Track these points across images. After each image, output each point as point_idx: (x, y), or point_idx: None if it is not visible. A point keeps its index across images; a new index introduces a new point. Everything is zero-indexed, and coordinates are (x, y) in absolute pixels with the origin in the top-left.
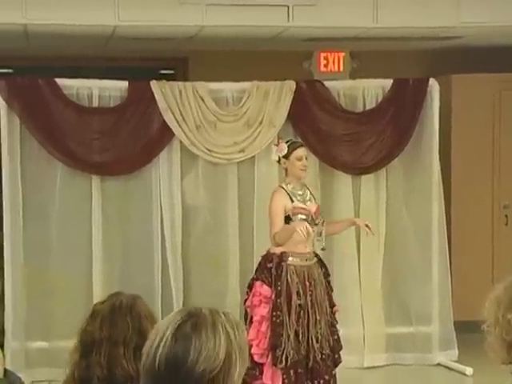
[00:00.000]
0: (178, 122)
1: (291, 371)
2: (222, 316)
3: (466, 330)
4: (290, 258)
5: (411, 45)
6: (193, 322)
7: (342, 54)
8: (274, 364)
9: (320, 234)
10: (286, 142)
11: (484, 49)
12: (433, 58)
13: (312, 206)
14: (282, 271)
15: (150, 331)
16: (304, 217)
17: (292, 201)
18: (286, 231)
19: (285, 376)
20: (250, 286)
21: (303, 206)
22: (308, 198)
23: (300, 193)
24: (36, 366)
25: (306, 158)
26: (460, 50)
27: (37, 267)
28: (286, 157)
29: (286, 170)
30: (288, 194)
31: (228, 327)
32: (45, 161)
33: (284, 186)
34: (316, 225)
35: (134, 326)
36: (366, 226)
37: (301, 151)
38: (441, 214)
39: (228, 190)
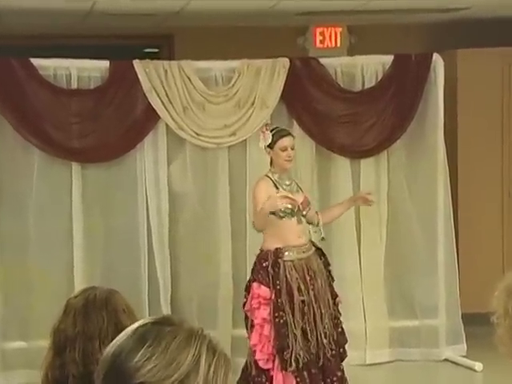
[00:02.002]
0: (163, 103)
1: (305, 373)
2: (208, 341)
3: (475, 323)
4: (287, 253)
5: (413, 17)
6: (161, 328)
7: (339, 29)
8: (284, 368)
9: (317, 224)
10: (271, 130)
11: (491, 21)
12: (437, 31)
13: (299, 197)
14: (279, 269)
15: (128, 326)
16: (290, 206)
17: (277, 189)
18: (261, 212)
19: (299, 379)
20: (248, 289)
21: (289, 195)
22: (295, 189)
23: (287, 183)
24: (13, 367)
25: (293, 148)
26: (466, 22)
27: (13, 262)
28: (271, 146)
29: (271, 159)
30: (273, 183)
31: (204, 353)
32: (20, 147)
33: (270, 175)
34: (304, 216)
35: (109, 319)
36: (367, 200)
37: (286, 141)
38: (447, 199)
39: (218, 177)
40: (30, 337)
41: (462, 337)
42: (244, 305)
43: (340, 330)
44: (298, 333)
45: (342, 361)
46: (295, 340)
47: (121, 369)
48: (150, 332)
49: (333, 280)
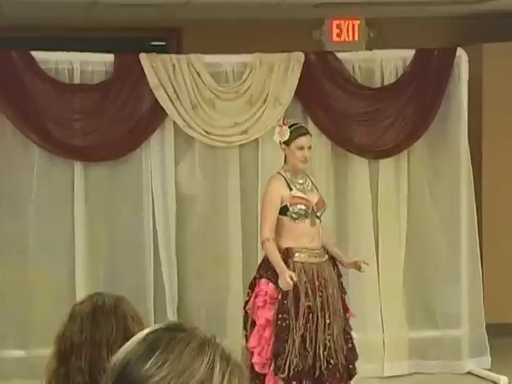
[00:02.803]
0: (171, 100)
1: (293, 383)
2: (221, 349)
3: (500, 334)
4: (297, 254)
5: (436, 10)
6: (173, 334)
7: (357, 22)
8: (276, 373)
9: None
10: (290, 127)
11: None
12: (461, 24)
13: (313, 197)
14: (288, 269)
15: (136, 332)
16: (303, 207)
17: (290, 189)
18: (273, 261)
19: None
20: (252, 286)
21: (303, 195)
22: (309, 188)
23: (300, 181)
24: (11, 377)
25: (310, 148)
26: (492, 14)
27: (12, 266)
28: (287, 143)
29: (286, 156)
30: (286, 182)
31: (218, 361)
32: (20, 145)
33: (283, 173)
34: (318, 218)
35: (118, 326)
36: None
37: (304, 140)
38: (470, 202)
39: (228, 178)
40: (28, 345)
41: (486, 348)
42: (246, 303)
43: (350, 345)
44: (297, 339)
45: (350, 378)
46: (292, 346)
47: (130, 377)
48: (162, 338)
49: (345, 293)
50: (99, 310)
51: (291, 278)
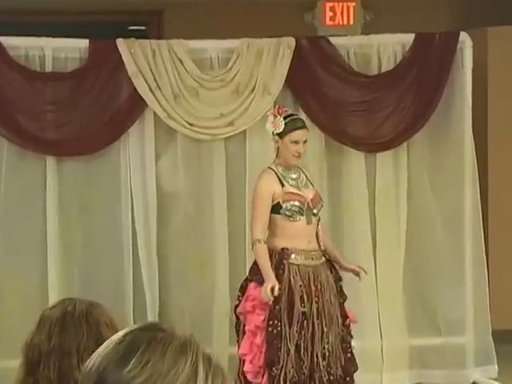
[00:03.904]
0: (151, 89)
1: None
2: (201, 349)
3: (507, 341)
4: (293, 256)
5: None
6: (153, 334)
7: (351, 4)
8: None
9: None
10: (285, 118)
11: None
12: (464, 6)
13: (308, 193)
14: (283, 272)
15: None
16: (297, 204)
17: (283, 185)
18: (261, 266)
19: None
20: (243, 289)
21: (297, 191)
22: (304, 183)
23: (293, 176)
24: None
25: (305, 142)
26: None
27: None
28: (281, 135)
29: (278, 149)
30: (278, 177)
31: (201, 360)
32: None
33: (274, 168)
34: (314, 215)
35: (90, 332)
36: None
37: (299, 134)
38: (475, 199)
39: (213, 173)
40: None
41: (492, 357)
42: (236, 307)
43: (349, 355)
44: (292, 348)
45: None
46: (287, 355)
47: (110, 380)
48: (141, 339)
49: (345, 298)
50: (69, 316)
51: (272, 291)
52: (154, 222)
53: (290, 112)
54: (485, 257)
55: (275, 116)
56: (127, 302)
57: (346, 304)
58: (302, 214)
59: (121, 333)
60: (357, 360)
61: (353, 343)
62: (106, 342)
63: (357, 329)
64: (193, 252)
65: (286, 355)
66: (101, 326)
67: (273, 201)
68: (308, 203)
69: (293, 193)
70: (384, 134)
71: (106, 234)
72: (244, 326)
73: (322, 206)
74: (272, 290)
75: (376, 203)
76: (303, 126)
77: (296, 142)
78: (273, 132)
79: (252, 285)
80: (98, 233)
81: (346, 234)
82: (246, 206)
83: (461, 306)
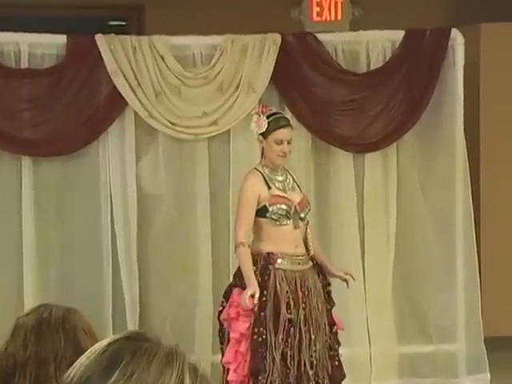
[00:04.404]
0: (131, 87)
1: None
2: (188, 360)
3: (500, 348)
4: (279, 261)
5: None
6: (137, 344)
7: None
8: None
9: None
10: (268, 117)
11: None
12: (456, 2)
13: (295, 196)
14: (268, 277)
15: (89, 347)
16: (284, 207)
17: (269, 187)
18: (243, 271)
19: None
20: (227, 294)
21: (283, 194)
22: (290, 186)
23: (280, 179)
24: None
25: (289, 143)
26: None
27: None
28: (264, 135)
29: (263, 149)
30: (264, 179)
31: (187, 372)
32: None
33: (260, 169)
34: (301, 219)
35: (67, 340)
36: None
37: (283, 133)
38: (467, 201)
39: (196, 174)
40: None
41: (484, 364)
42: (220, 313)
43: (336, 363)
44: (278, 356)
45: None
46: (273, 364)
47: None
48: (125, 349)
49: (332, 304)
50: (45, 323)
51: (252, 298)
52: (134, 224)
53: (274, 111)
54: (477, 260)
55: (259, 115)
56: (106, 306)
57: (333, 310)
58: (289, 218)
59: (104, 342)
60: (344, 368)
61: (340, 351)
62: (87, 352)
63: (344, 336)
64: (175, 255)
65: (271, 364)
66: (78, 333)
67: (258, 203)
68: (295, 207)
69: (279, 196)
70: (373, 134)
71: (85, 236)
72: (228, 333)
73: (310, 209)
74: (252, 297)
75: (364, 206)
76: (287, 125)
77: (280, 142)
78: (257, 132)
79: (236, 290)
80: (76, 236)
81: (334, 238)
82: (229, 208)
83: (452, 312)
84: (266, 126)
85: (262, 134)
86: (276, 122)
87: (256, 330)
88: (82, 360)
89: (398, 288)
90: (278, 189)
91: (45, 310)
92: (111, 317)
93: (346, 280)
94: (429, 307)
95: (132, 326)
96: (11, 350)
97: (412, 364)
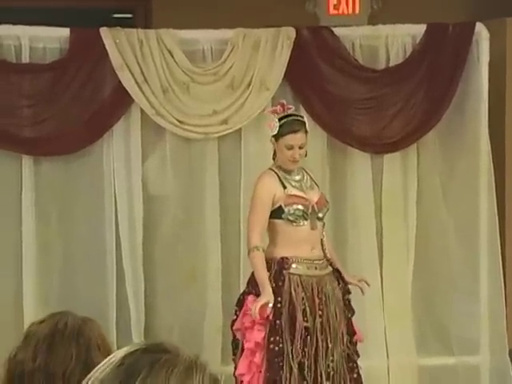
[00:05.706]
0: (137, 83)
1: None
2: (208, 372)
3: None
4: (294, 266)
5: None
6: (155, 356)
7: None
8: None
9: None
10: (281, 119)
11: None
12: None
13: (313, 195)
14: (283, 283)
15: None
16: (301, 207)
17: (284, 187)
18: (258, 277)
19: None
20: (240, 303)
21: (301, 193)
22: (308, 185)
23: (297, 178)
24: None
25: (302, 147)
26: None
27: None
28: (276, 138)
29: (275, 151)
30: (280, 179)
31: None
32: None
33: (275, 169)
34: (319, 219)
35: (79, 355)
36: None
37: (294, 139)
38: (491, 207)
39: (205, 175)
40: None
41: (509, 378)
42: (233, 323)
43: (355, 375)
44: (295, 366)
45: None
46: (290, 375)
47: None
48: (142, 361)
49: (352, 312)
50: (59, 334)
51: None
52: (139, 228)
53: (290, 111)
54: (502, 270)
55: (273, 113)
56: (110, 315)
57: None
58: (306, 219)
59: (120, 353)
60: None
61: (359, 362)
62: (102, 363)
63: (361, 347)
64: (182, 261)
65: (288, 374)
66: (91, 349)
67: (273, 204)
68: (312, 206)
69: (296, 195)
70: (392, 134)
71: (88, 241)
72: (242, 343)
73: (328, 209)
74: (265, 306)
75: (382, 209)
76: (299, 129)
77: (291, 147)
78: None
79: (250, 298)
80: (79, 240)
81: (350, 243)
82: (240, 212)
83: (475, 323)
84: (278, 128)
85: (274, 137)
86: (288, 126)
87: (272, 339)
88: (97, 374)
89: (417, 297)
90: (295, 188)
91: (60, 318)
92: (115, 327)
93: (361, 287)
94: (450, 318)
95: (137, 336)
96: (20, 357)
97: (432, 377)
